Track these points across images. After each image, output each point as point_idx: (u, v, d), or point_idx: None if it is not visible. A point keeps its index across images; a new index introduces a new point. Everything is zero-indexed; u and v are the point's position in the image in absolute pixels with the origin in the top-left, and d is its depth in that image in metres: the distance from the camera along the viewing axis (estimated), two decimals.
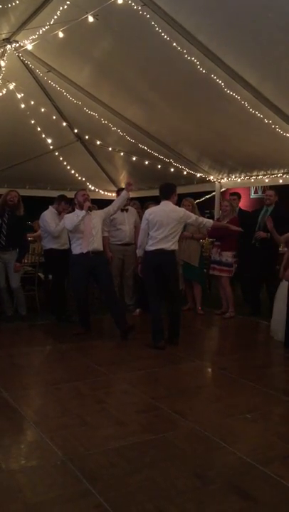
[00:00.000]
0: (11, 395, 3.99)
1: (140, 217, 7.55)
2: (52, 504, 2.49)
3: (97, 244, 5.97)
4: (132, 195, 8.39)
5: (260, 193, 13.67)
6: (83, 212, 5.87)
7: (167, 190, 5.71)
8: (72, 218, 5.93)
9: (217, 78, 6.46)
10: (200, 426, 3.41)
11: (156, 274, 5.52)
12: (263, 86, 6.56)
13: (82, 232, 5.87)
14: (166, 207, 5.60)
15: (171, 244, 5.53)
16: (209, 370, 5.01)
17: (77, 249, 5.94)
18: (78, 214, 5.91)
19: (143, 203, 7.91)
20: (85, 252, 5.86)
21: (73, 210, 7.22)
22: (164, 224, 5.49)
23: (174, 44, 6.07)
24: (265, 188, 9.63)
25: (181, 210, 5.71)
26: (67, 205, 6.92)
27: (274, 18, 5.30)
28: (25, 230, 7.26)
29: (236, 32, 5.76)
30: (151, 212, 5.61)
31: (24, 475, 2.76)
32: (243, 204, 12.36)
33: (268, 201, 7.25)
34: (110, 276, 6.23)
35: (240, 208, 7.82)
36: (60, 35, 6.02)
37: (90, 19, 5.55)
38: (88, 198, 6.05)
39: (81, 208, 5.95)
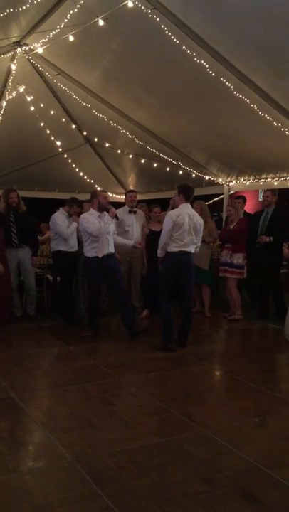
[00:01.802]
0: (19, 396, 4.01)
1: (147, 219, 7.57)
2: (59, 506, 2.49)
3: (111, 247, 5.97)
4: (139, 197, 8.43)
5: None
6: (108, 218, 5.87)
7: (191, 192, 5.69)
8: (94, 223, 5.79)
9: (226, 81, 6.47)
10: (208, 429, 3.40)
11: (175, 275, 5.51)
12: (273, 89, 6.56)
13: (99, 236, 5.81)
14: (191, 211, 5.60)
15: (193, 248, 5.57)
16: (217, 373, 5.00)
17: (92, 252, 5.86)
18: (106, 218, 5.84)
19: (150, 205, 7.93)
20: (100, 256, 5.82)
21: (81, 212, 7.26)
22: (191, 228, 5.48)
23: (184, 47, 6.09)
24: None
25: (200, 217, 5.77)
26: (80, 208, 6.95)
27: (283, 20, 5.31)
28: (34, 227, 7.33)
29: (245, 35, 5.77)
30: (178, 214, 5.46)
31: (32, 476, 2.77)
32: (251, 207, 12.35)
33: (265, 202, 7.24)
34: (122, 277, 6.24)
35: (244, 212, 7.80)
36: (71, 38, 6.05)
37: (101, 23, 5.58)
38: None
39: (100, 209, 5.90)
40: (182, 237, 5.44)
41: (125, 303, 6.08)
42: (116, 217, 5.98)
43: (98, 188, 11.79)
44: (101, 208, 5.91)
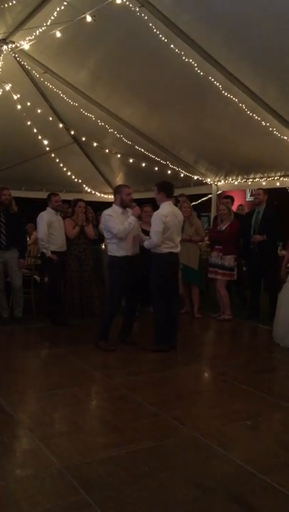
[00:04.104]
0: (6, 400, 3.91)
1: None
2: None
3: (137, 248, 5.69)
4: None
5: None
6: (133, 218, 5.43)
7: (172, 189, 5.59)
8: (119, 222, 5.42)
9: (215, 80, 6.43)
10: (199, 433, 3.34)
11: (168, 277, 5.43)
12: (261, 89, 6.53)
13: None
14: (174, 209, 5.54)
15: (179, 248, 5.53)
16: (208, 375, 4.95)
17: (119, 251, 5.49)
18: (129, 220, 5.41)
19: (139, 205, 7.84)
20: (130, 255, 5.53)
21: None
22: (177, 227, 5.45)
23: (172, 46, 6.03)
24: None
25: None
26: (58, 196, 6.87)
27: (272, 20, 5.28)
28: (24, 229, 7.24)
29: (234, 34, 5.73)
30: (167, 214, 5.32)
31: (19, 484, 2.69)
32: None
33: (256, 200, 7.21)
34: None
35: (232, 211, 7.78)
36: (58, 34, 5.96)
37: (88, 19, 5.49)
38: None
39: (123, 205, 5.53)
40: (172, 237, 5.38)
41: (134, 310, 5.86)
42: (139, 217, 5.61)
43: (86, 188, 11.76)
44: (124, 205, 5.55)
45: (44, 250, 6.61)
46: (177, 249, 5.49)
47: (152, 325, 5.55)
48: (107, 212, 5.60)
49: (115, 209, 5.59)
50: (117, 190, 5.72)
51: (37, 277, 7.53)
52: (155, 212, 5.49)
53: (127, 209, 5.58)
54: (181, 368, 4.99)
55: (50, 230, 6.66)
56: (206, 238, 7.96)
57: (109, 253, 5.63)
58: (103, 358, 5.26)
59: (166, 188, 5.52)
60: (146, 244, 5.49)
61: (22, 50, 7.03)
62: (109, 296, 5.72)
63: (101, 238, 7.24)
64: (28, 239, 8.66)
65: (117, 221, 5.45)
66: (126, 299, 5.92)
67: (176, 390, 4.31)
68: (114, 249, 5.53)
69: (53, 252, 6.62)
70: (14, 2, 5.75)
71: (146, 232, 6.40)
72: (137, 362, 5.07)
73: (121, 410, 3.79)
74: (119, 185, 5.97)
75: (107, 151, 10.07)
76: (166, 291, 5.43)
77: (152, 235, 5.36)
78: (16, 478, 2.76)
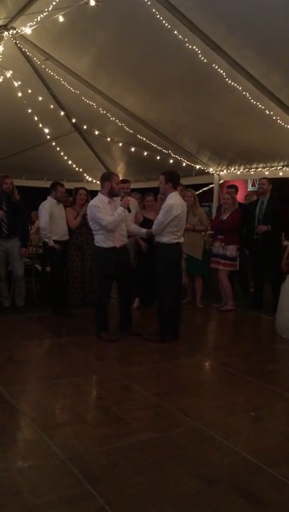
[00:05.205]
0: (8, 390, 3.88)
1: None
2: (52, 506, 2.40)
3: (125, 237, 5.57)
4: (131, 186, 8.23)
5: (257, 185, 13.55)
6: (122, 209, 5.27)
7: (179, 179, 5.50)
8: (107, 214, 5.21)
9: (218, 68, 6.35)
10: (203, 424, 3.31)
11: (174, 267, 5.40)
12: (266, 77, 6.46)
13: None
14: (181, 200, 5.47)
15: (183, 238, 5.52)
16: (211, 365, 4.90)
17: (107, 242, 5.32)
18: (118, 211, 5.26)
19: (142, 194, 7.77)
20: (118, 246, 5.38)
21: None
22: (184, 218, 5.43)
23: (175, 32, 5.94)
24: None
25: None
26: (64, 187, 6.80)
27: (277, 7, 5.19)
28: (26, 218, 7.17)
29: (238, 22, 5.63)
30: (177, 207, 5.22)
31: (22, 475, 2.67)
32: (240, 197, 12.27)
33: (261, 190, 7.12)
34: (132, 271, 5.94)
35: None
36: (61, 19, 5.86)
37: (92, 3, 5.39)
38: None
39: (111, 194, 5.35)
40: (179, 227, 5.34)
41: (129, 301, 5.83)
42: (128, 209, 5.42)
43: (87, 177, 11.68)
44: (112, 194, 5.36)
45: (46, 240, 6.56)
46: (182, 239, 5.47)
47: (155, 316, 5.52)
48: (93, 203, 5.37)
49: (102, 199, 5.36)
50: (106, 178, 5.44)
51: (38, 267, 7.48)
52: (167, 203, 5.27)
53: (114, 198, 5.42)
54: (184, 358, 4.96)
55: (51, 219, 6.60)
56: (209, 228, 7.89)
57: (96, 244, 5.45)
58: (105, 349, 5.23)
59: (174, 178, 5.37)
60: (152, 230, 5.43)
61: (23, 37, 6.95)
62: (98, 287, 5.67)
63: None
64: (31, 227, 8.62)
65: (104, 212, 5.26)
66: (118, 289, 5.88)
67: (180, 381, 4.29)
68: (101, 240, 5.35)
69: (54, 242, 6.58)
70: None
71: (149, 221, 6.34)
72: (139, 352, 5.04)
73: (124, 401, 3.76)
74: (109, 173, 5.85)
75: (108, 139, 9.99)
76: (172, 281, 5.39)
77: (156, 223, 5.29)
78: (19, 469, 2.73)
